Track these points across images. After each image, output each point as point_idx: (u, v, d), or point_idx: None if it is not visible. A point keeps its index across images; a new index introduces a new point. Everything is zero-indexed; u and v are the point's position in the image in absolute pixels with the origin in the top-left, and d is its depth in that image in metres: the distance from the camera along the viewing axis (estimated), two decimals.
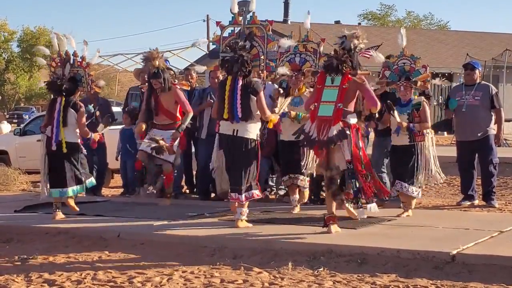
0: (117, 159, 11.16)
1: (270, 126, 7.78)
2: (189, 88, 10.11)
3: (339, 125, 6.90)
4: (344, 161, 7.00)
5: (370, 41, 7.55)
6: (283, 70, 8.16)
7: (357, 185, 6.97)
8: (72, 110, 8.33)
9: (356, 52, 7.23)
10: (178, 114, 9.21)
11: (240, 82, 7.49)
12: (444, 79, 8.75)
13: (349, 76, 7.06)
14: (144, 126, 9.18)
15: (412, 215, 8.14)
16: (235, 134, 7.48)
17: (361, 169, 6.96)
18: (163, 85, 8.98)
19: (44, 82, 8.78)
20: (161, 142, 8.94)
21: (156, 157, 9.11)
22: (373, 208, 7.08)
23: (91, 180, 8.65)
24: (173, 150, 9.06)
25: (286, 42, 8.23)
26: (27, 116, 40.46)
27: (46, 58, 8.97)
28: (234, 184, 7.48)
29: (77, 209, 8.51)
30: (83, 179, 8.49)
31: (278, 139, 8.87)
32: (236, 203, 7.51)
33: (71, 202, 8.50)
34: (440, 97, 23.26)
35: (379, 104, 7.17)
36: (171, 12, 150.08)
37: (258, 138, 7.62)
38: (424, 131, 8.02)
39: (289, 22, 31.75)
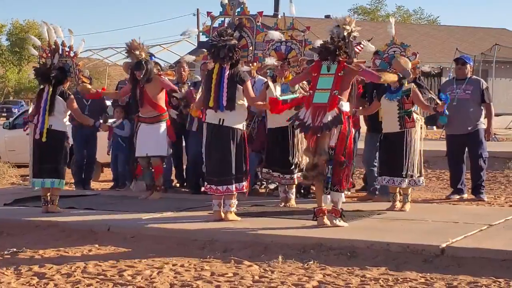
0: (108, 154, 11.14)
1: (268, 106, 7.74)
2: (174, 78, 10.11)
3: (334, 111, 6.89)
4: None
5: (360, 36, 7.54)
6: (271, 60, 8.16)
7: (331, 172, 6.96)
8: (60, 98, 8.29)
9: (350, 41, 7.23)
10: (163, 105, 9.21)
11: (227, 71, 7.47)
12: (433, 66, 8.78)
13: (345, 64, 7.07)
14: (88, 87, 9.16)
15: (401, 208, 8.16)
16: (221, 123, 7.45)
17: (341, 156, 6.96)
18: (145, 76, 8.98)
19: (33, 67, 8.76)
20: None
21: (151, 156, 9.17)
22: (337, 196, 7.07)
23: (62, 181, 8.47)
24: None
25: (274, 34, 8.22)
26: (16, 109, 40.30)
27: (36, 49, 8.94)
28: (222, 175, 7.40)
29: (61, 210, 8.41)
30: (63, 173, 8.45)
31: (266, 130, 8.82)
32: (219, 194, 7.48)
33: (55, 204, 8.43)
34: (430, 92, 23.27)
35: (383, 75, 7.22)
36: (161, 6, 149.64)
37: (244, 128, 7.61)
38: (415, 118, 8.04)
39: (279, 16, 31.69)
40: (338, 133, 6.96)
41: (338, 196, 7.05)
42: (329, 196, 7.02)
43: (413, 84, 8.17)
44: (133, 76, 9.14)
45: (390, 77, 7.47)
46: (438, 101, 7.84)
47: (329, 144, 6.96)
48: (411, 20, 56.29)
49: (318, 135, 6.96)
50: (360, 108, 8.94)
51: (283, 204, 8.56)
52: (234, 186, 7.43)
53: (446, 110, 7.79)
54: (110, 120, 11.18)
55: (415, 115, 8.06)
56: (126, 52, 9.32)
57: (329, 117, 6.88)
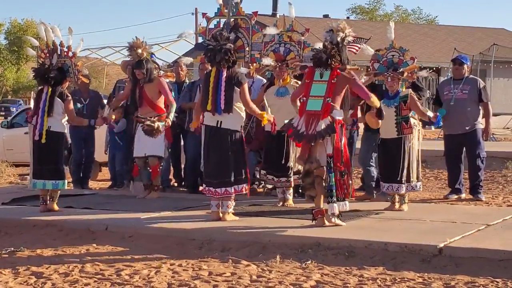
0: (106, 153, 11.13)
1: (265, 122, 7.77)
2: (174, 79, 10.10)
3: (327, 120, 6.91)
4: (325, 156, 7.00)
5: (358, 35, 7.54)
6: (268, 61, 8.16)
7: (333, 181, 6.97)
8: (59, 100, 8.29)
9: (344, 46, 7.24)
10: (162, 106, 9.20)
11: (225, 74, 7.46)
12: (430, 71, 8.78)
13: (338, 71, 7.07)
14: (114, 116, 9.32)
15: (399, 208, 8.16)
16: (219, 125, 7.45)
17: (339, 166, 6.97)
18: (145, 75, 8.98)
19: (32, 68, 8.76)
20: (156, 124, 8.88)
21: (149, 156, 9.18)
22: (343, 206, 7.08)
23: (64, 182, 8.49)
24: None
25: (271, 30, 8.21)
26: (14, 108, 40.26)
27: (34, 49, 8.93)
28: (220, 177, 7.40)
29: (58, 209, 8.38)
30: (65, 173, 8.44)
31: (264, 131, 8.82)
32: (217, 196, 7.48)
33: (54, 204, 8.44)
34: (428, 91, 23.31)
35: (372, 96, 7.17)
36: (159, 5, 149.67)
37: (242, 130, 7.61)
38: (412, 124, 8.05)
39: (278, 15, 31.66)
40: (333, 141, 6.96)
41: (342, 205, 7.06)
42: (335, 205, 6.99)
43: (410, 90, 8.18)
44: (133, 75, 9.14)
45: (376, 103, 7.31)
46: (431, 114, 7.99)
47: (325, 152, 6.98)
48: (410, 19, 56.29)
49: (312, 144, 6.97)
50: (358, 110, 8.94)
51: (281, 203, 8.57)
52: (233, 188, 7.42)
53: (440, 121, 7.94)
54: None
55: (412, 121, 8.06)
56: (127, 50, 9.29)
57: (322, 125, 6.90)
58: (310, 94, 7.09)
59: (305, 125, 6.98)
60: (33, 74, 8.54)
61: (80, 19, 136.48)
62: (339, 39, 7.18)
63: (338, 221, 7.04)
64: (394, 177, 8.02)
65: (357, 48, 7.89)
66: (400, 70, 8.09)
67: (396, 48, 8.25)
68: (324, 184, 7.02)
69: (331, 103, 6.96)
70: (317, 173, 7.02)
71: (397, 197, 8.18)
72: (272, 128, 7.94)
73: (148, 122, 8.81)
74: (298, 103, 7.31)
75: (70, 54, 8.50)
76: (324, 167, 7.00)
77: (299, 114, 7.14)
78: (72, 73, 8.48)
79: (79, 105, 10.36)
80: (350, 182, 7.19)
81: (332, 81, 7.03)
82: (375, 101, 7.28)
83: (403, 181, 8.01)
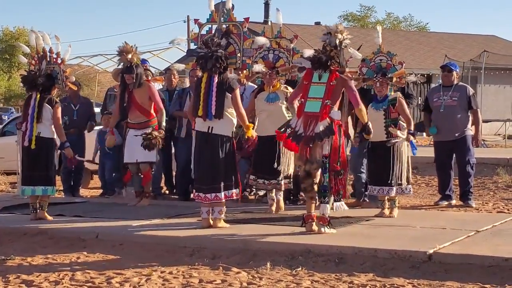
0: (94, 161, 11.08)
1: (249, 134, 7.78)
2: (163, 83, 10.10)
3: (326, 121, 6.92)
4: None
5: (350, 42, 7.56)
6: (259, 67, 8.18)
7: (327, 181, 6.98)
8: (48, 106, 8.28)
9: (342, 49, 7.26)
10: (152, 111, 9.19)
11: (216, 80, 7.49)
12: (419, 75, 8.82)
13: (337, 73, 7.09)
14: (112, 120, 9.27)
15: (390, 214, 8.18)
16: (210, 131, 7.47)
17: (336, 166, 6.98)
18: (135, 80, 8.97)
19: (20, 75, 8.76)
20: (155, 133, 8.90)
21: (140, 163, 9.18)
22: (340, 207, 7.11)
23: (53, 188, 8.44)
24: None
25: (261, 40, 8.23)
26: (6, 117, 40.06)
27: (26, 56, 8.93)
28: (211, 183, 7.42)
29: (50, 218, 8.38)
30: (54, 180, 8.43)
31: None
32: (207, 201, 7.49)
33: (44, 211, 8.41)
34: (419, 98, 23.39)
35: (361, 105, 7.18)
36: (151, 13, 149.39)
37: (233, 136, 7.63)
38: (401, 126, 8.08)
39: (269, 23, 31.69)
40: (331, 142, 6.98)
41: (339, 206, 7.08)
42: (328, 206, 7.01)
43: (399, 93, 8.21)
44: (122, 80, 9.13)
45: (363, 115, 7.23)
46: (412, 138, 8.05)
47: (322, 153, 6.99)
48: (401, 26, 56.42)
49: (310, 145, 6.98)
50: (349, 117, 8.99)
51: (273, 207, 8.54)
52: (223, 193, 7.43)
53: (414, 144, 8.03)
54: (96, 128, 11.15)
55: (401, 124, 8.09)
56: (117, 55, 9.27)
57: (320, 127, 6.91)
58: (308, 96, 7.10)
59: (303, 126, 6.99)
60: (22, 80, 8.54)
61: (72, 27, 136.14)
62: (337, 41, 7.20)
63: (327, 230, 7.04)
64: (384, 180, 8.04)
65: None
66: (389, 76, 8.13)
67: (384, 53, 8.30)
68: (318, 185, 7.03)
69: (330, 105, 6.98)
70: (314, 178, 7.02)
71: (387, 203, 8.20)
72: (250, 142, 7.97)
73: (144, 136, 8.86)
74: (296, 105, 7.33)
75: (59, 60, 8.49)
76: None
77: (297, 115, 7.15)
78: (61, 80, 8.46)
79: (65, 118, 10.24)
80: (345, 183, 7.22)
81: (331, 83, 7.05)
82: (363, 112, 7.25)
83: (393, 184, 8.03)
